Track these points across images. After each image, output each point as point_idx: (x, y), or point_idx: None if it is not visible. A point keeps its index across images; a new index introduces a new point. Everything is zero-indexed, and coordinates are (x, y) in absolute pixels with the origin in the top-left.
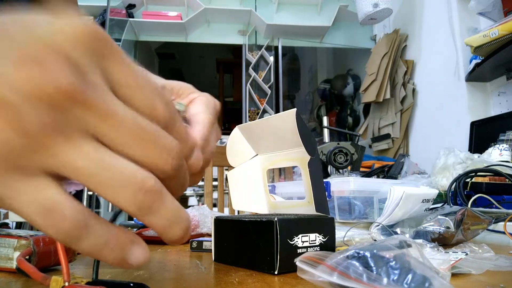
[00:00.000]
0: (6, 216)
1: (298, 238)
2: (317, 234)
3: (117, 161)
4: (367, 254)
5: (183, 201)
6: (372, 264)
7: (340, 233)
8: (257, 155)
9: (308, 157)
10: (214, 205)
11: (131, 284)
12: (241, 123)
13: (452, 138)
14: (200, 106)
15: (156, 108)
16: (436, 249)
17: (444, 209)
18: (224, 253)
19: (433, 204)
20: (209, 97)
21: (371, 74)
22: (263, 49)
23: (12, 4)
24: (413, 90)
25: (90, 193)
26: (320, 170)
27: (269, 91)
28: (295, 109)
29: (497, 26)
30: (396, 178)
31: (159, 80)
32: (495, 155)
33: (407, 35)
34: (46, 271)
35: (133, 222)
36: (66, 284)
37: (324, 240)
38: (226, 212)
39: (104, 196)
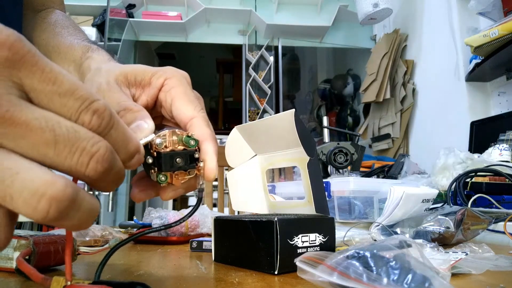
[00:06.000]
0: None
1: (298, 238)
2: (317, 234)
3: (20, 166)
4: (367, 254)
5: (183, 201)
6: (372, 264)
7: (340, 233)
8: (256, 155)
9: (307, 158)
10: (214, 205)
11: (132, 284)
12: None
13: (452, 138)
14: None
15: (81, 114)
16: (436, 249)
17: (444, 209)
18: (224, 253)
19: (433, 204)
20: (181, 79)
21: (371, 74)
22: (263, 49)
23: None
24: (413, 90)
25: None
26: (319, 171)
27: (269, 91)
28: (293, 110)
29: (497, 26)
30: (396, 178)
31: (114, 67)
32: (495, 155)
33: (407, 35)
34: (45, 271)
35: (132, 222)
36: (68, 283)
37: (324, 240)
38: (226, 212)
39: (6, 204)
